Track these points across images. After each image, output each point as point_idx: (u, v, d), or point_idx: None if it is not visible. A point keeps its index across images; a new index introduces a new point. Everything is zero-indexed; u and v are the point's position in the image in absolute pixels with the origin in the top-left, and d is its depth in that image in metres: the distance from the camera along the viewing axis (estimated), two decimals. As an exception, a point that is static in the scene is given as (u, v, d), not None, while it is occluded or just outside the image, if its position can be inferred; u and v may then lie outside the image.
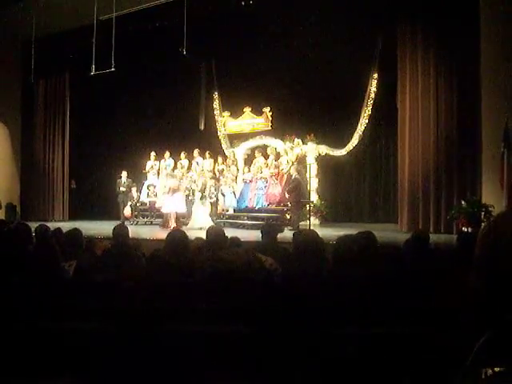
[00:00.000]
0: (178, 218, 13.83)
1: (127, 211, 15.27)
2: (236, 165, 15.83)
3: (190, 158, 16.05)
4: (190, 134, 17.19)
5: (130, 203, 15.27)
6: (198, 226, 12.70)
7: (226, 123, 16.98)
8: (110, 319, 2.81)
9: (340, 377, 2.59)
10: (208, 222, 13.26)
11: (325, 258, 4.38)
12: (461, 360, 1.37)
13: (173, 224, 13.82)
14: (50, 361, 2.74)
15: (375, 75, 14.25)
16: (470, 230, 10.38)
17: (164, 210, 14.07)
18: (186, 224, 13.82)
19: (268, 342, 2.71)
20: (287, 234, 11.57)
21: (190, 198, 14.75)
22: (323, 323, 2.80)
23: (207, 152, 16.01)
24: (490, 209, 10.39)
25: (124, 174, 15.75)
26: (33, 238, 5.43)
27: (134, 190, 15.35)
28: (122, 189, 15.41)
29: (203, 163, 15.87)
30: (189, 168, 15.78)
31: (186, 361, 2.65)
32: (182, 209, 13.98)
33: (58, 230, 6.46)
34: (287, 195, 13.63)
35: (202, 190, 14.36)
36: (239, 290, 3.24)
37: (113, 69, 12.90)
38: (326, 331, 2.74)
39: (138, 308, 2.89)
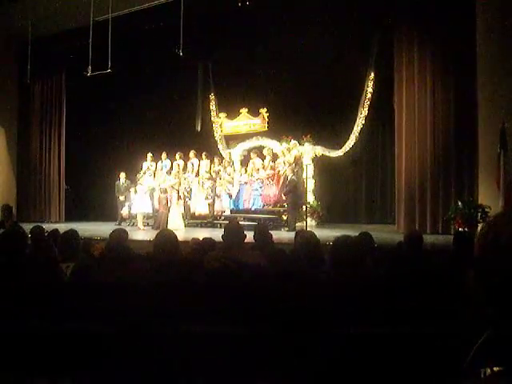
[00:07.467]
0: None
1: (124, 212, 15.32)
2: (232, 166, 15.82)
3: (187, 159, 16.04)
4: (186, 135, 17.18)
5: (127, 204, 15.27)
6: (173, 228, 12.61)
7: (223, 124, 16.97)
8: (108, 321, 2.81)
9: (337, 378, 2.59)
10: (181, 223, 13.87)
11: (322, 258, 4.38)
12: (459, 360, 1.37)
13: (141, 225, 14.26)
14: (48, 363, 2.73)
15: (372, 76, 14.19)
16: (466, 230, 10.38)
17: (132, 211, 15.02)
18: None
19: (266, 342, 2.71)
20: (284, 234, 11.62)
21: (187, 199, 14.86)
22: (321, 324, 2.80)
23: (203, 153, 16.00)
24: (486, 209, 10.40)
25: (122, 175, 15.75)
26: (28, 240, 5.40)
27: (132, 191, 15.26)
28: (121, 198, 15.53)
29: (199, 164, 15.86)
30: (184, 169, 15.77)
31: (185, 362, 2.64)
32: (149, 209, 14.87)
33: (55, 231, 6.44)
34: (284, 197, 13.65)
35: (177, 191, 14.57)
36: (245, 290, 3.23)
37: (109, 70, 12.90)
38: (324, 332, 2.74)
39: (137, 309, 2.88)
